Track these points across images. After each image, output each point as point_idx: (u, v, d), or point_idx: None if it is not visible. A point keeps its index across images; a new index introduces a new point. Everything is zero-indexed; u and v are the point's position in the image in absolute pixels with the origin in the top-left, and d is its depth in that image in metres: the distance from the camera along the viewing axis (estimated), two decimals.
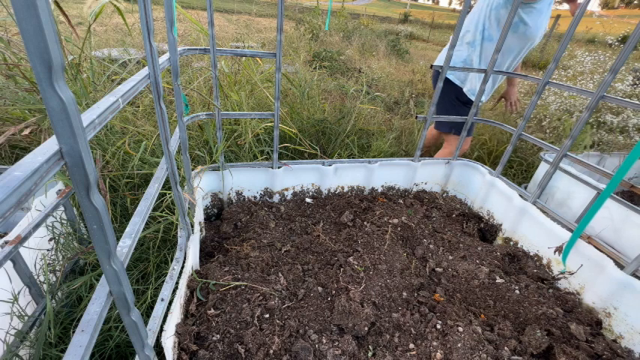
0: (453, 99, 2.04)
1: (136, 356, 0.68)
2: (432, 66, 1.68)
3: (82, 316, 0.59)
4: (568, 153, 1.40)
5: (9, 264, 0.93)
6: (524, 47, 1.82)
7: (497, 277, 1.33)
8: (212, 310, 1.02)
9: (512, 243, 1.65)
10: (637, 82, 3.03)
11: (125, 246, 0.61)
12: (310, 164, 1.71)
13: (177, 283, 0.98)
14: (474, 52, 1.88)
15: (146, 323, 0.74)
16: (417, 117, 1.74)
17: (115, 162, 1.46)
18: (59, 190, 1.14)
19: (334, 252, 1.41)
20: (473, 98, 1.96)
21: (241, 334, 0.97)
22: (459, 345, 1.02)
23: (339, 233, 1.54)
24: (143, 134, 1.65)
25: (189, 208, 1.24)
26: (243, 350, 0.93)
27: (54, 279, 1.13)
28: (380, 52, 7.09)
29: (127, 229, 0.66)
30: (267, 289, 1.12)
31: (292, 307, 1.11)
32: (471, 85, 1.96)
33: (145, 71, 0.76)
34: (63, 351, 0.97)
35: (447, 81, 2.00)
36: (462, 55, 1.94)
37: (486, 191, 1.83)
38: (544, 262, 1.50)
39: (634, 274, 1.17)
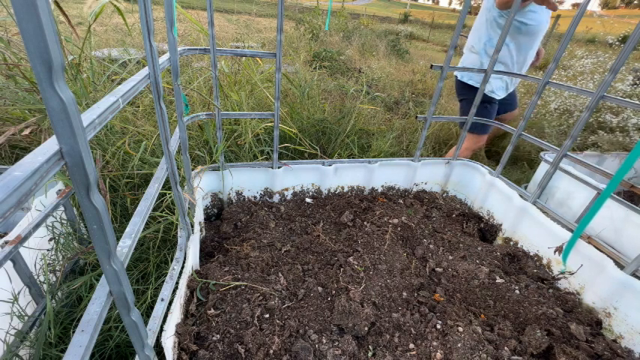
0: (480, 102, 2.19)
1: (136, 356, 0.68)
2: (432, 66, 1.68)
3: (82, 316, 0.59)
4: (568, 153, 1.40)
5: (9, 264, 0.93)
6: (536, 39, 2.02)
7: (497, 277, 1.33)
8: (212, 310, 1.02)
9: (512, 243, 1.65)
10: (637, 82, 3.03)
11: (125, 246, 0.61)
12: (310, 164, 1.71)
13: (177, 283, 0.98)
14: (483, 58, 2.11)
15: (146, 323, 0.74)
16: (417, 117, 1.74)
17: (115, 162, 1.46)
18: (59, 190, 1.14)
19: (334, 252, 1.41)
20: (493, 96, 2.17)
21: (241, 334, 0.97)
22: (459, 345, 1.02)
23: (339, 233, 1.54)
24: (143, 134, 1.65)
25: (189, 208, 1.24)
26: (243, 350, 0.93)
27: (54, 279, 1.13)
28: (380, 52, 7.09)
29: (127, 229, 0.66)
30: (267, 289, 1.12)
31: (292, 307, 1.11)
32: (492, 86, 2.15)
33: (145, 71, 0.76)
34: (63, 351, 0.97)
35: (469, 86, 2.19)
36: (475, 61, 2.14)
37: (486, 191, 1.83)
38: (544, 262, 1.50)
39: (634, 274, 1.17)
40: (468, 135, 2.27)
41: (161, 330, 0.82)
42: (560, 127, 2.83)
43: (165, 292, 0.91)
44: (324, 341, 1.01)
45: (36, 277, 1.04)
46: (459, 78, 2.25)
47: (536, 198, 1.56)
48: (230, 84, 2.23)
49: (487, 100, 2.17)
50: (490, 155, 3.04)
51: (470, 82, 2.17)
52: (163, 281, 0.96)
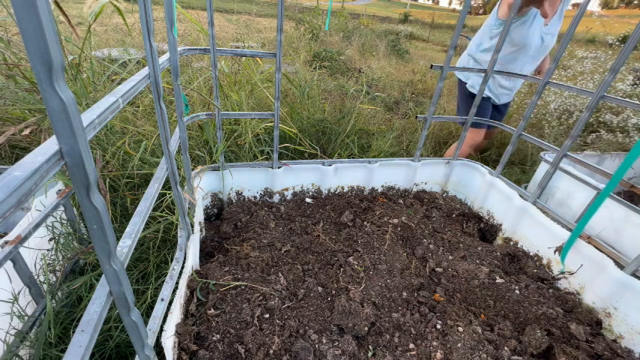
0: (465, 95, 2.36)
1: (136, 356, 0.68)
2: (432, 66, 1.68)
3: (82, 316, 0.59)
4: (568, 153, 1.40)
5: (9, 264, 0.93)
6: (522, 53, 2.06)
7: (497, 277, 1.33)
8: (212, 310, 1.02)
9: (512, 243, 1.65)
10: (637, 82, 3.03)
11: (125, 246, 0.61)
12: (310, 164, 1.71)
13: (177, 283, 0.98)
14: (469, 59, 2.26)
15: (146, 323, 0.74)
16: (417, 117, 1.74)
17: (115, 162, 1.46)
18: (59, 190, 1.14)
19: (334, 252, 1.41)
20: (472, 91, 2.24)
21: (241, 334, 0.97)
22: (459, 345, 1.02)
23: (339, 233, 1.54)
24: (143, 134, 1.65)
25: (189, 208, 1.24)
26: (243, 350, 0.93)
27: (54, 279, 1.13)
28: (380, 52, 7.09)
29: (127, 229, 0.66)
30: (267, 289, 1.12)
31: (292, 307, 1.11)
32: (472, 82, 2.26)
33: (145, 71, 0.76)
34: (63, 351, 0.97)
35: (461, 82, 2.34)
36: (464, 60, 2.31)
37: (486, 191, 1.83)
38: (544, 262, 1.50)
39: (634, 274, 1.17)
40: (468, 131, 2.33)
41: (161, 330, 0.82)
42: (560, 127, 2.83)
43: (165, 292, 0.91)
44: (324, 341, 1.01)
45: (36, 277, 1.04)
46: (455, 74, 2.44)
47: (536, 198, 1.56)
48: (230, 84, 2.23)
49: (472, 96, 2.25)
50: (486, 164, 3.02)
51: (459, 76, 2.36)
52: (163, 281, 0.96)
